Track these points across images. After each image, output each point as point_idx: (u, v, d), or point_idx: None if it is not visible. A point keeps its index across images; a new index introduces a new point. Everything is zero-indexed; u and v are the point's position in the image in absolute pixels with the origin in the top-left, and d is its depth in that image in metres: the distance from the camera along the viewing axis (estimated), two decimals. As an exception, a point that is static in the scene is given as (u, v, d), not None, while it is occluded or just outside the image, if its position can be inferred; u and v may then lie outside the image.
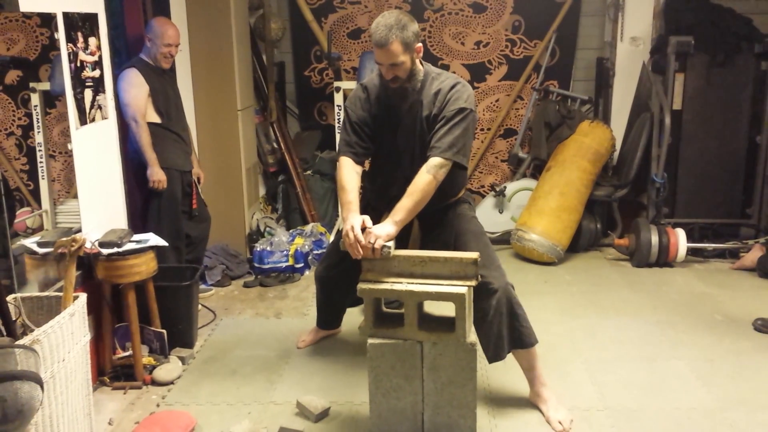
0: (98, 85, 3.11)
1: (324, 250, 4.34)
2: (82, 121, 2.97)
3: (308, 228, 4.60)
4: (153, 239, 3.04)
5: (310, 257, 4.36)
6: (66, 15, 2.82)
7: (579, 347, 3.23)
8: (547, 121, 4.95)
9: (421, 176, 2.43)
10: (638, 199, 4.83)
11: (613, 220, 4.84)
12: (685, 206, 4.67)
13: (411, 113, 2.57)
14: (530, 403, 2.70)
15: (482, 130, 5.23)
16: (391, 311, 2.47)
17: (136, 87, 3.35)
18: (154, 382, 2.95)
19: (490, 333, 2.52)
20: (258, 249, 4.27)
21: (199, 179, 3.84)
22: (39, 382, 1.79)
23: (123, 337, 3.07)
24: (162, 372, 2.97)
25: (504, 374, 2.91)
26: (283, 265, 4.23)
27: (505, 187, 4.90)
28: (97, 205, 3.12)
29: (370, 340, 2.34)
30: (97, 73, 3.10)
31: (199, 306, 3.52)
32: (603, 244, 4.78)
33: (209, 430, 2.60)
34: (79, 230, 2.92)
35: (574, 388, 2.85)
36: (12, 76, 2.77)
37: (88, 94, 3.02)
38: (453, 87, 2.51)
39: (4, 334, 2.01)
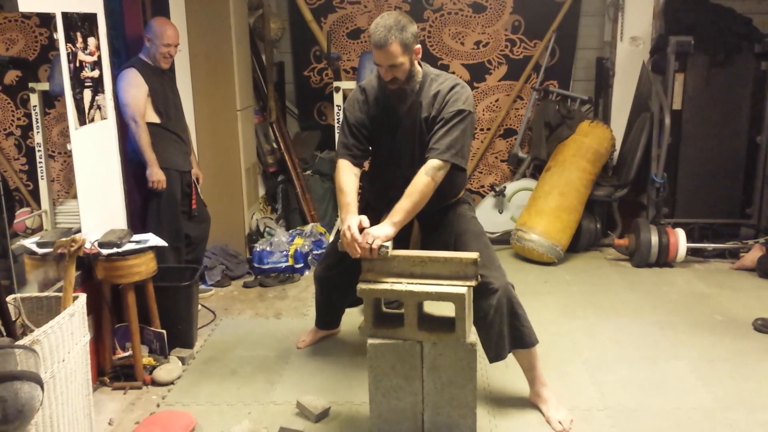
0: (97, 86, 3.11)
1: (323, 251, 4.34)
2: (82, 121, 2.97)
3: (308, 228, 4.60)
4: (152, 239, 3.04)
5: (309, 257, 4.36)
6: (65, 15, 2.82)
7: (579, 347, 3.23)
8: (547, 121, 4.95)
9: (420, 178, 2.43)
10: (638, 199, 4.83)
11: (613, 220, 4.84)
12: (685, 206, 4.67)
13: (410, 115, 2.57)
14: (530, 403, 2.70)
15: (482, 130, 5.23)
16: (391, 311, 2.47)
17: (136, 87, 3.35)
18: (154, 383, 2.94)
19: (491, 333, 2.52)
20: (258, 249, 4.27)
21: (198, 179, 3.84)
22: (39, 382, 1.79)
23: (123, 337, 3.07)
24: (162, 372, 2.96)
25: (504, 374, 2.90)
26: (283, 265, 4.23)
27: (504, 187, 4.90)
28: (97, 205, 3.11)
29: (370, 341, 2.34)
30: (96, 73, 3.09)
31: (199, 306, 3.52)
32: (603, 244, 4.78)
33: (209, 430, 2.60)
34: (79, 230, 2.92)
35: (574, 388, 2.85)
36: (11, 76, 2.76)
37: (87, 94, 3.01)
38: (452, 88, 2.51)
39: (4, 334, 2.01)
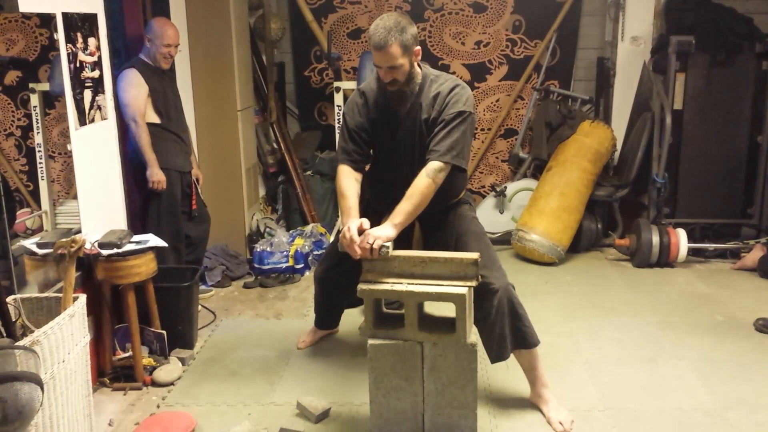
0: (98, 86, 3.11)
1: (324, 251, 4.33)
2: (82, 121, 2.96)
3: (308, 228, 4.59)
4: (153, 240, 3.04)
5: (310, 258, 4.35)
6: (65, 15, 2.82)
7: (580, 348, 3.23)
8: (548, 121, 4.94)
9: (420, 180, 2.43)
10: (639, 199, 4.82)
11: (614, 220, 4.83)
12: (686, 206, 4.66)
13: (410, 116, 2.57)
14: (531, 403, 2.70)
15: (483, 130, 5.22)
16: (392, 312, 2.47)
17: (136, 87, 3.35)
18: (154, 383, 2.94)
19: (492, 333, 2.52)
20: (258, 250, 4.27)
21: (198, 180, 3.83)
22: (39, 383, 1.79)
23: (123, 338, 3.06)
24: (162, 373, 2.96)
25: (505, 375, 2.90)
26: (283, 265, 4.22)
27: (505, 188, 4.89)
28: (97, 205, 3.11)
29: (371, 341, 2.34)
30: (96, 73, 3.09)
31: (199, 307, 3.52)
32: (604, 244, 4.78)
33: (209, 431, 2.60)
34: (79, 231, 2.92)
35: (575, 388, 2.85)
36: (11, 76, 2.76)
37: (87, 94, 3.01)
38: (452, 90, 2.51)
39: (4, 335, 2.01)
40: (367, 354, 2.34)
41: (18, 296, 2.30)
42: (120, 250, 2.87)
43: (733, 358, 3.10)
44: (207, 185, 4.09)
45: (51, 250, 2.54)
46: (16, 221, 2.75)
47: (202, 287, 3.90)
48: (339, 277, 2.90)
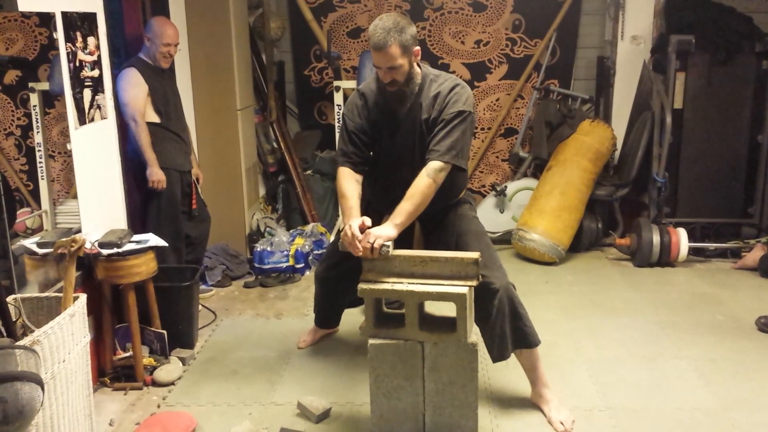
0: (97, 85, 3.10)
1: (324, 251, 4.33)
2: (81, 121, 2.96)
3: (308, 228, 4.59)
4: (153, 239, 3.04)
5: (310, 257, 4.35)
6: (65, 14, 2.81)
7: (580, 347, 3.22)
8: (548, 121, 4.94)
9: (421, 180, 2.43)
10: (639, 198, 4.82)
11: (615, 219, 4.83)
12: (687, 206, 4.66)
13: (410, 116, 2.56)
14: (532, 403, 2.70)
15: (483, 129, 5.22)
16: (392, 311, 2.47)
17: (135, 86, 3.34)
18: (155, 383, 2.94)
19: (493, 333, 2.52)
20: (258, 249, 4.26)
21: (198, 179, 3.83)
22: (39, 383, 1.78)
23: (123, 337, 3.06)
24: (162, 373, 2.96)
25: (505, 374, 2.90)
26: (284, 265, 4.22)
27: (505, 187, 4.89)
28: (97, 205, 3.11)
29: (371, 341, 2.33)
30: (96, 72, 3.09)
31: (200, 306, 3.51)
32: (604, 243, 4.77)
33: (210, 431, 2.59)
34: (79, 230, 2.91)
35: (575, 388, 2.84)
36: (11, 75, 2.76)
37: (87, 93, 3.01)
38: (452, 89, 2.51)
39: (5, 335, 2.00)
40: (368, 354, 2.34)
41: (18, 296, 2.29)
42: (120, 250, 2.86)
43: (734, 358, 3.10)
44: (207, 185, 4.09)
45: (51, 250, 2.54)
46: (17, 221, 2.74)
47: (203, 287, 3.90)
48: (340, 277, 2.90)
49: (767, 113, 4.52)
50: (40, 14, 2.73)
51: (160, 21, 3.46)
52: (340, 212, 4.07)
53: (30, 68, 2.81)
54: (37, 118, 2.85)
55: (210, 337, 3.41)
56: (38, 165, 2.88)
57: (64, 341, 2.12)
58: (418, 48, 2.48)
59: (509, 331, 2.53)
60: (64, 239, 2.40)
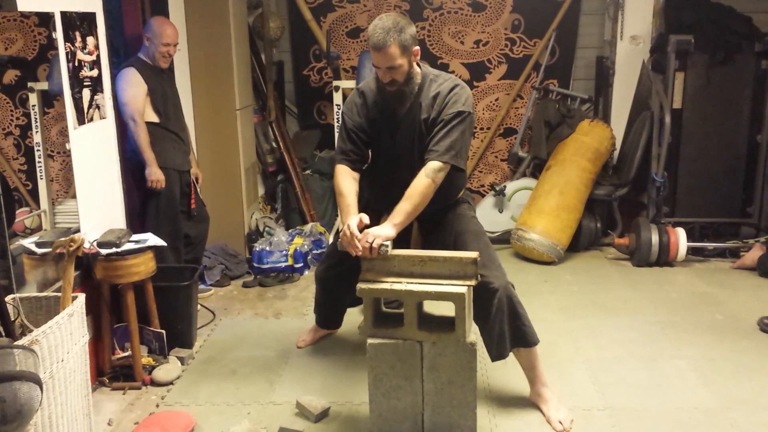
0: (96, 85, 3.10)
1: (323, 250, 4.34)
2: (81, 120, 2.96)
3: (307, 228, 4.59)
4: (152, 239, 3.03)
5: (309, 257, 4.35)
6: (64, 14, 2.81)
7: (579, 347, 3.22)
8: (547, 120, 4.94)
9: (420, 180, 2.43)
10: (638, 198, 4.82)
11: (614, 219, 4.83)
12: (686, 205, 4.66)
13: (409, 116, 2.56)
14: (531, 402, 2.70)
15: (482, 129, 5.22)
16: (391, 311, 2.47)
17: (134, 86, 3.34)
18: (154, 383, 2.94)
19: (492, 333, 2.52)
20: (257, 249, 4.26)
21: (197, 179, 3.83)
22: (38, 382, 1.78)
23: (122, 337, 3.06)
24: (161, 372, 2.96)
25: (504, 374, 2.90)
26: (283, 264, 4.22)
27: (504, 187, 4.89)
28: (96, 205, 3.11)
29: (370, 340, 2.33)
30: (95, 72, 3.09)
31: (199, 306, 3.51)
32: (603, 243, 4.78)
33: (209, 430, 2.59)
34: (78, 230, 2.91)
35: (574, 387, 2.84)
36: (10, 75, 2.76)
37: (86, 93, 3.01)
38: (452, 90, 2.51)
39: (3, 334, 2.00)
40: (367, 353, 2.34)
41: (17, 295, 2.29)
42: (119, 250, 2.86)
43: (733, 357, 3.10)
44: (206, 184, 4.09)
45: (50, 250, 2.54)
46: (15, 220, 2.74)
47: (202, 286, 3.90)
48: (340, 277, 2.90)
49: (766, 113, 4.52)
50: (39, 14, 2.73)
51: (160, 21, 3.46)
52: (338, 211, 4.07)
53: (29, 68, 2.81)
54: (36, 118, 2.85)
55: (209, 337, 3.41)
56: (37, 165, 2.88)
57: (63, 341, 2.12)
58: (417, 48, 2.48)
59: (508, 330, 2.53)
60: (62, 239, 2.39)
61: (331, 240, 4.44)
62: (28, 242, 2.66)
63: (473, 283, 2.28)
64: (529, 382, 2.69)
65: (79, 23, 2.93)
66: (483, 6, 5.03)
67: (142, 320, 3.03)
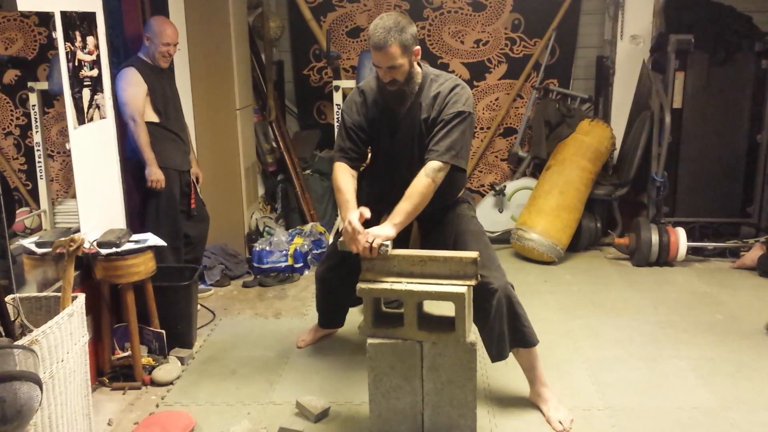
0: (96, 85, 3.10)
1: (323, 250, 4.34)
2: (81, 120, 2.96)
3: (307, 227, 4.59)
4: (151, 239, 3.03)
5: (309, 257, 4.35)
6: (64, 14, 2.81)
7: (579, 347, 3.22)
8: (547, 120, 4.94)
9: (420, 179, 2.43)
10: (638, 198, 4.82)
11: (614, 219, 4.83)
12: (686, 205, 4.66)
13: (409, 116, 2.56)
14: (530, 402, 2.70)
15: (482, 128, 5.22)
16: (391, 311, 2.47)
17: (134, 86, 3.34)
18: (153, 383, 2.94)
19: (492, 333, 2.52)
20: (257, 249, 4.26)
21: (197, 179, 3.83)
22: (38, 382, 1.78)
23: (122, 337, 3.06)
24: (161, 372, 2.96)
25: (504, 374, 2.90)
26: (283, 264, 4.22)
27: (504, 186, 4.89)
28: (96, 204, 3.11)
29: (370, 340, 2.33)
30: (95, 72, 3.09)
31: (198, 306, 3.51)
32: (603, 243, 4.78)
33: (209, 430, 2.59)
34: (78, 230, 2.91)
35: (574, 387, 2.84)
36: (10, 75, 2.76)
37: (86, 93, 3.01)
38: (452, 90, 2.51)
39: (3, 334, 2.00)
40: (367, 353, 2.34)
41: (17, 295, 2.29)
42: (119, 250, 2.86)
43: (733, 357, 3.10)
44: (206, 184, 4.09)
45: (50, 249, 2.54)
46: (15, 220, 2.74)
47: (201, 286, 3.90)
48: (341, 277, 2.89)
49: (766, 113, 4.52)
50: (39, 14, 2.73)
51: (160, 20, 3.46)
52: (338, 210, 4.07)
53: (29, 68, 2.81)
54: (36, 118, 2.85)
55: (209, 337, 3.41)
56: (37, 164, 2.88)
57: (63, 341, 2.12)
58: (418, 47, 2.47)
59: (508, 330, 2.53)
60: (62, 239, 2.39)
61: (331, 240, 4.44)
62: (28, 242, 2.66)
63: (473, 283, 2.28)
64: (528, 382, 2.69)
65: (79, 23, 2.93)
66: (483, 5, 5.03)
67: (142, 320, 3.03)
